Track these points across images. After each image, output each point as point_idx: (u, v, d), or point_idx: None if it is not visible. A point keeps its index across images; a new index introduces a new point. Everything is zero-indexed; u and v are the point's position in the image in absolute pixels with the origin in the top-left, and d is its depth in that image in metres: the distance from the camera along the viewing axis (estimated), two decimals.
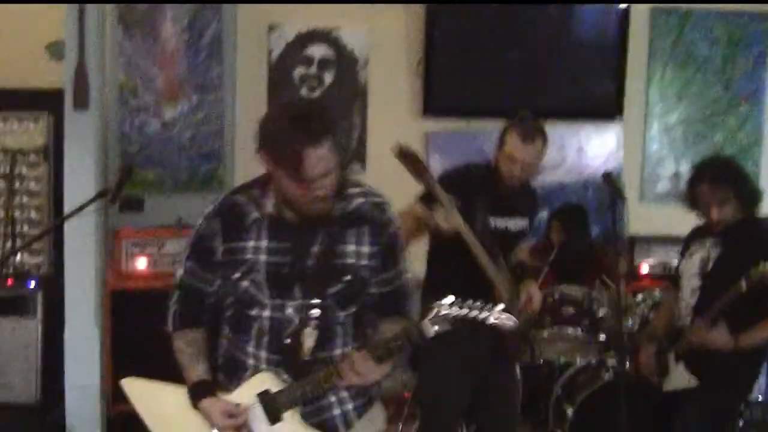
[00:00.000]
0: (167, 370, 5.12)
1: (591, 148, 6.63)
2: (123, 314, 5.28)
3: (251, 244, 2.80)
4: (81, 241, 4.98)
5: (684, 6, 6.54)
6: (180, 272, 2.95)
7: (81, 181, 4.89)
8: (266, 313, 2.81)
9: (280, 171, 2.67)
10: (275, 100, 6.15)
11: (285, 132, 2.63)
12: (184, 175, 6.14)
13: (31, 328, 5.33)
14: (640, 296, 5.55)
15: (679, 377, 4.30)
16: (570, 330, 5.40)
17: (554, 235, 5.82)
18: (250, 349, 2.87)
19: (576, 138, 6.61)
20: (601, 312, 5.36)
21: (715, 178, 4.16)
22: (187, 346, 2.95)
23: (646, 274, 6.30)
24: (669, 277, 4.77)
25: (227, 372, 2.95)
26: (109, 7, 5.64)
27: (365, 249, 2.83)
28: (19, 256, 5.62)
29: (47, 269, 5.63)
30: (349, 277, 2.81)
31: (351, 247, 2.82)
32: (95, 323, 5.06)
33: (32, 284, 5.42)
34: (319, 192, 2.68)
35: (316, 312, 2.79)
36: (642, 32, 6.55)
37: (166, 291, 5.19)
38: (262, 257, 2.79)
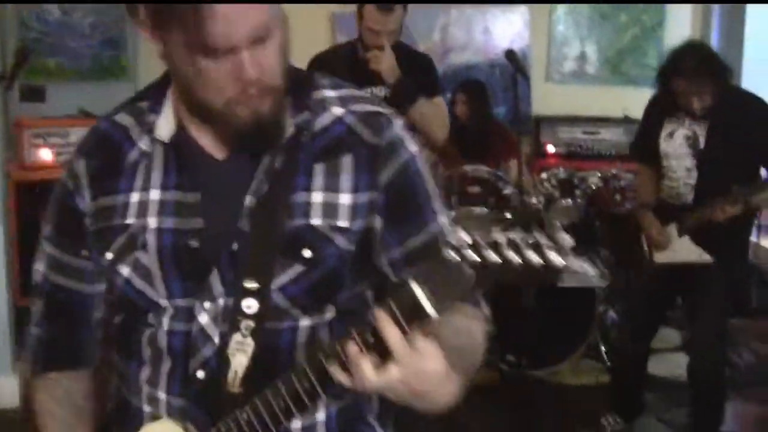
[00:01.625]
0: None
1: (497, 29, 6.64)
2: (28, 206, 5.21)
3: (134, 197, 1.62)
4: None
5: None
6: (37, 269, 1.74)
7: None
8: (164, 324, 1.61)
9: (174, 35, 1.46)
10: None
11: None
12: (87, 63, 6.01)
13: None
14: (544, 174, 5.65)
15: (680, 251, 4.32)
16: (476, 209, 5.48)
17: (459, 108, 5.88)
18: (144, 386, 1.67)
19: (482, 19, 6.62)
20: (507, 190, 5.44)
21: (695, 72, 4.09)
22: (56, 404, 1.75)
23: (552, 153, 6.39)
24: (642, 157, 4.56)
25: (117, 427, 1.75)
26: None
27: (345, 199, 1.58)
28: None
29: None
30: (309, 253, 1.56)
31: (317, 197, 1.57)
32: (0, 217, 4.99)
33: None
34: (246, 73, 1.46)
35: (251, 305, 1.56)
36: None
37: None
38: (152, 220, 1.59)
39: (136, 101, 1.69)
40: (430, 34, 6.57)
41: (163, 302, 1.60)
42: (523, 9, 6.59)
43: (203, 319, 1.59)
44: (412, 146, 1.65)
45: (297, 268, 1.56)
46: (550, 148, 6.43)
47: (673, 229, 4.35)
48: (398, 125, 1.65)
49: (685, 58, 4.17)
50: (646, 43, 6.43)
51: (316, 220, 1.57)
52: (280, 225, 1.56)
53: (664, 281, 4.40)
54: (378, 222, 1.60)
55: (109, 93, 5.86)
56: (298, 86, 1.62)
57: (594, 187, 5.49)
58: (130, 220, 1.61)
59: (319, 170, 1.59)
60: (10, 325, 4.91)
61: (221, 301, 1.58)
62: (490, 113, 6.11)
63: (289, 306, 1.58)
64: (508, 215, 5.45)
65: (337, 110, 1.62)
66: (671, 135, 4.31)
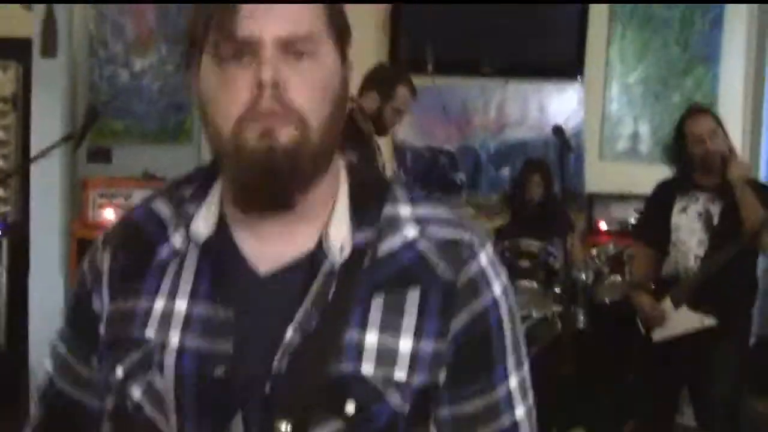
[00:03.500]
0: None
1: (552, 107, 6.73)
2: None
3: (158, 305, 1.34)
4: (47, 189, 5.06)
5: None
6: (45, 367, 1.50)
7: (49, 128, 4.95)
8: None
9: (203, 40, 1.27)
10: None
11: None
12: (153, 126, 6.20)
13: None
14: (594, 251, 5.70)
15: (679, 322, 4.26)
16: (526, 282, 5.54)
17: (534, 188, 5.86)
18: None
19: (537, 97, 6.72)
20: (557, 265, 5.49)
21: (700, 111, 4.38)
22: None
23: (604, 231, 6.44)
24: (647, 238, 4.60)
25: None
26: None
27: (405, 345, 1.29)
28: None
29: (14, 216, 5.72)
30: (352, 409, 1.26)
31: (371, 337, 1.28)
32: (60, 271, 5.15)
33: None
34: (261, 72, 1.22)
35: None
36: None
37: None
38: (173, 337, 1.31)
39: (181, 186, 1.42)
40: (487, 110, 6.69)
41: None
42: (577, 86, 6.69)
43: None
44: (497, 286, 1.34)
45: (336, 425, 1.26)
46: (603, 225, 6.48)
47: (668, 302, 4.31)
48: (484, 257, 1.34)
49: (691, 109, 4.48)
50: None
51: (367, 368, 1.27)
52: (324, 369, 1.26)
53: (667, 363, 4.33)
54: (443, 377, 1.32)
55: (173, 156, 6.07)
56: (367, 195, 1.36)
57: None
58: (148, 333, 1.32)
59: (377, 303, 1.29)
60: None
61: None
62: (554, 192, 6.15)
63: None
64: (557, 290, 5.52)
65: (411, 232, 1.33)
66: (684, 210, 4.36)
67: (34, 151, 4.83)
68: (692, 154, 4.31)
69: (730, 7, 6.72)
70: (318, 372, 1.25)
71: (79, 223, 5.50)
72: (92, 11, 5.97)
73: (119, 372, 1.33)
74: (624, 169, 6.64)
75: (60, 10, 5.05)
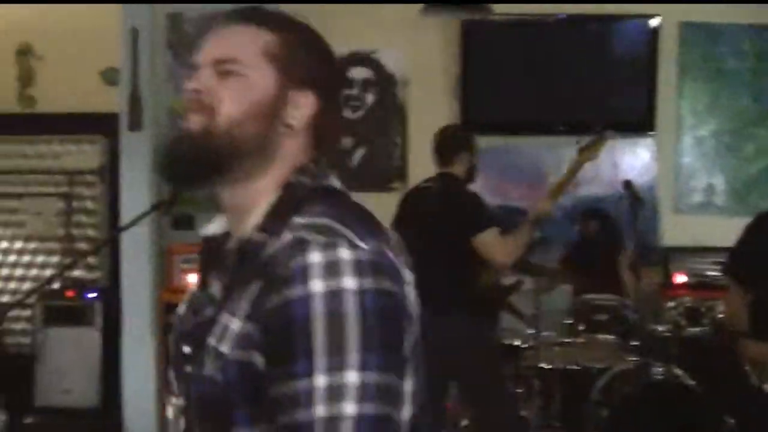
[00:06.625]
0: None
1: (625, 162, 6.78)
2: None
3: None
4: (136, 256, 5.24)
5: (712, 21, 6.68)
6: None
7: (137, 198, 5.14)
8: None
9: None
10: None
11: None
12: None
13: (92, 336, 5.62)
14: (671, 303, 5.71)
15: None
16: (602, 336, 5.56)
17: (590, 229, 6.04)
18: None
19: (610, 152, 6.74)
20: (633, 317, 5.50)
21: None
22: None
23: (680, 284, 6.44)
24: (743, 276, 4.19)
25: None
26: (159, 33, 5.91)
27: (235, 324, 1.44)
28: (78, 271, 5.90)
29: (104, 282, 5.92)
30: (210, 371, 1.45)
31: (224, 316, 1.47)
32: (150, 333, 5.32)
33: (91, 296, 5.70)
34: (190, 82, 1.57)
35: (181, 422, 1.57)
36: (672, 48, 6.69)
37: None
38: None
39: None
40: (560, 168, 6.74)
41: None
42: (649, 141, 6.74)
43: (168, 410, 1.64)
44: (319, 285, 1.36)
45: (201, 385, 1.49)
46: (679, 278, 6.48)
47: None
48: (318, 256, 1.38)
49: None
50: None
51: (212, 341, 1.45)
52: (204, 337, 1.49)
53: None
54: (257, 358, 1.41)
55: None
56: (285, 207, 1.49)
57: (721, 316, 5.51)
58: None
59: (239, 291, 1.45)
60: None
61: (179, 397, 1.59)
62: (618, 240, 6.21)
63: (195, 416, 1.54)
64: (636, 342, 5.53)
65: (287, 236, 1.43)
66: None
67: (123, 220, 5.02)
68: None
69: None
70: (202, 338, 1.49)
71: (166, 288, 5.67)
72: (170, 86, 6.18)
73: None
74: (699, 222, 6.65)
75: (143, 84, 5.27)
